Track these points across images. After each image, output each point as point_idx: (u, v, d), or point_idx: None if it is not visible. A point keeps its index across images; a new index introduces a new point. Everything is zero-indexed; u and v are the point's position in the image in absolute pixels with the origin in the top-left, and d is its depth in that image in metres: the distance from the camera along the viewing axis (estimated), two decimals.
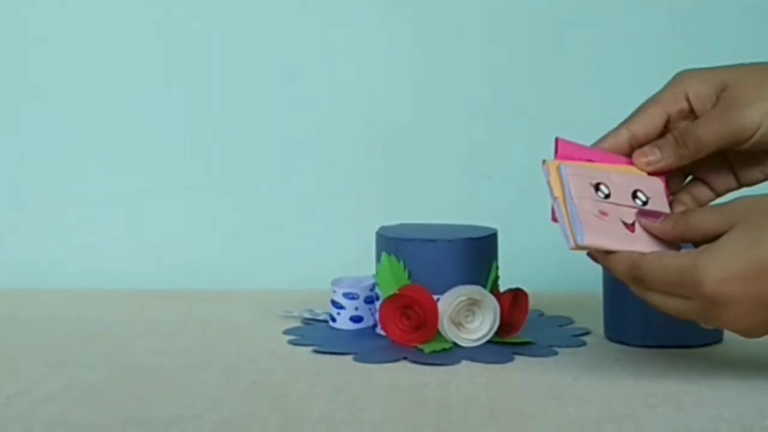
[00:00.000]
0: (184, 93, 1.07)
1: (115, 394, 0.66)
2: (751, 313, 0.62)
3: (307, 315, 0.87)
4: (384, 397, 0.65)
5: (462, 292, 0.75)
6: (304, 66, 1.06)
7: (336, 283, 0.83)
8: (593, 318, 0.81)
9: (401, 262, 0.77)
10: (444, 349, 0.75)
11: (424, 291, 0.76)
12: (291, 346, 0.78)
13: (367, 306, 0.82)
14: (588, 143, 0.73)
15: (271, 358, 0.74)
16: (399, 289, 0.76)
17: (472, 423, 0.60)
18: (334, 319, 0.83)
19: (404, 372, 0.71)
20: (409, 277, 0.77)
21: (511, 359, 0.73)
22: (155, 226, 1.07)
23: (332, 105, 1.06)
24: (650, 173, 0.70)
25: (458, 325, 0.76)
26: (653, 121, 0.70)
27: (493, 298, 0.76)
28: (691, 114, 0.70)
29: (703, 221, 0.65)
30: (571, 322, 0.85)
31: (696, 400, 0.63)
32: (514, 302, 0.78)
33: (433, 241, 0.77)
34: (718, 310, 0.62)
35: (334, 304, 0.83)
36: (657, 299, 0.65)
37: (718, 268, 0.62)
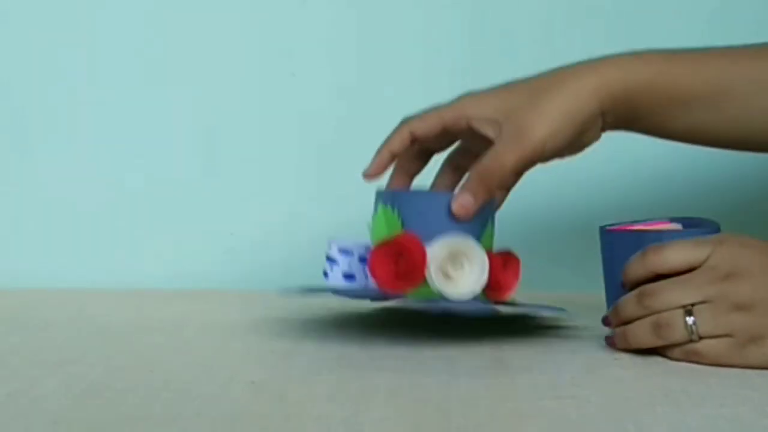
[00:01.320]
0: (183, 93, 1.07)
1: (114, 393, 0.66)
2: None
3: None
4: (383, 397, 0.65)
5: (451, 242, 0.75)
6: (304, 65, 1.06)
7: (332, 239, 0.82)
8: (593, 315, 0.81)
9: (395, 211, 0.77)
10: (430, 298, 0.74)
11: (416, 239, 0.75)
12: (290, 346, 0.78)
13: (361, 265, 0.81)
14: None
15: (270, 358, 0.75)
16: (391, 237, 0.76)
17: (472, 423, 0.60)
18: (326, 275, 0.82)
19: (404, 372, 0.71)
20: (403, 226, 0.77)
21: (495, 312, 0.74)
22: (155, 226, 1.07)
23: (333, 104, 1.06)
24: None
25: (446, 275, 0.75)
26: (432, 129, 0.79)
27: (482, 252, 0.76)
28: (468, 131, 0.78)
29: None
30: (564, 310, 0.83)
31: (696, 399, 0.63)
32: (504, 264, 0.78)
33: (430, 193, 0.78)
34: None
35: (329, 259, 0.82)
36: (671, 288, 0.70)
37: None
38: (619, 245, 0.75)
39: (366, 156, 1.06)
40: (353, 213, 1.06)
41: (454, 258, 0.75)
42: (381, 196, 0.80)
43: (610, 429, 0.58)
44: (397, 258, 0.76)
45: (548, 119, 0.75)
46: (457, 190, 0.79)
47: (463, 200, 0.75)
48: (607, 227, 0.78)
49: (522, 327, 0.84)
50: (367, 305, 0.89)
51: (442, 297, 0.75)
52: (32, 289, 1.01)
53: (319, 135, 1.07)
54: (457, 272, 0.76)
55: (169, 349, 0.77)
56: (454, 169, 0.83)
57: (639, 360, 0.73)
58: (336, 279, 0.81)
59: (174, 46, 1.06)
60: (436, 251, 0.75)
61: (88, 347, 0.78)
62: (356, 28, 1.06)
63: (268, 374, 0.70)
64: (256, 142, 1.07)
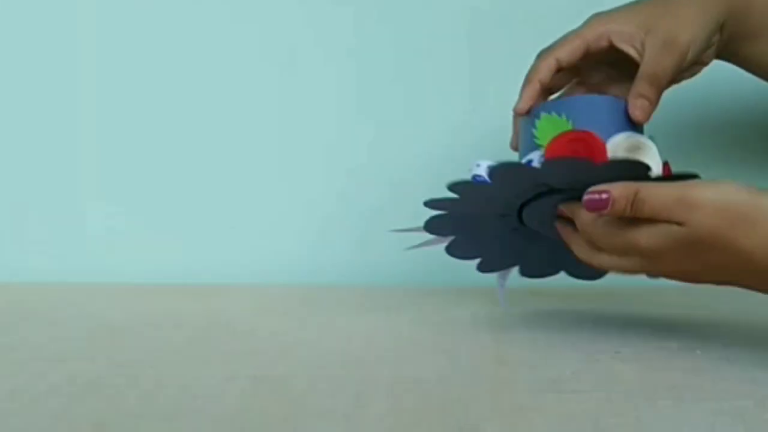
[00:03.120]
0: (183, 88, 1.07)
1: (115, 389, 0.66)
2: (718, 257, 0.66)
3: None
4: (385, 392, 0.65)
5: (630, 135, 0.76)
6: (303, 58, 1.06)
7: (477, 162, 0.80)
8: (594, 309, 0.81)
9: (563, 116, 0.77)
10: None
11: (592, 133, 0.75)
12: (291, 341, 0.78)
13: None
14: None
15: (271, 353, 0.75)
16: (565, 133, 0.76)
17: (474, 417, 0.60)
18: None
19: (405, 366, 0.71)
20: (573, 127, 0.76)
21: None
22: (156, 221, 1.07)
23: (330, 98, 1.06)
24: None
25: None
26: (575, 52, 0.80)
27: (655, 146, 0.77)
28: (609, 49, 0.80)
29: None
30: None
31: (697, 393, 0.63)
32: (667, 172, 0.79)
33: (599, 97, 0.78)
34: (702, 247, 0.67)
35: (476, 178, 0.79)
36: (644, 233, 0.69)
37: (715, 199, 0.66)
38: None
39: (370, 154, 1.07)
40: (355, 208, 1.07)
41: (635, 149, 0.76)
42: (542, 108, 0.78)
43: (611, 423, 0.58)
44: (575, 144, 0.75)
45: (689, 26, 0.78)
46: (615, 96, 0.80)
47: (641, 104, 0.77)
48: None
49: (523, 321, 0.84)
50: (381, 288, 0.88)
51: None
52: (34, 284, 1.01)
53: (317, 128, 1.06)
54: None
55: (169, 345, 0.77)
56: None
57: (640, 353, 0.73)
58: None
59: (173, 42, 1.06)
60: (617, 140, 0.75)
61: (89, 343, 0.78)
62: (354, 22, 1.06)
63: (268, 369, 0.70)
64: (256, 135, 1.07)
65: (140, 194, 1.07)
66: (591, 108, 0.77)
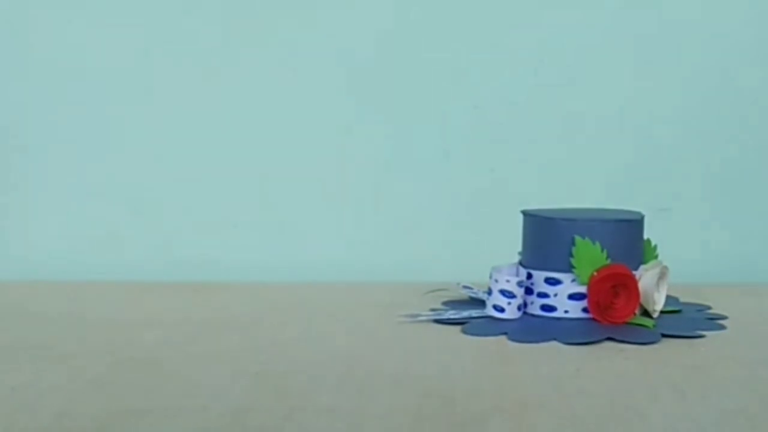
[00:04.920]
0: (186, 83, 1.07)
1: (119, 386, 0.66)
2: None
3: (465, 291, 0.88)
4: (388, 389, 0.65)
5: (656, 263, 0.81)
6: (306, 55, 1.06)
7: (500, 270, 0.82)
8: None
9: (597, 244, 0.79)
10: (642, 325, 0.78)
11: (630, 273, 0.79)
12: (293, 337, 0.78)
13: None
14: None
15: (273, 350, 0.75)
16: (602, 269, 0.79)
17: (476, 414, 0.60)
18: (502, 310, 0.81)
19: (408, 362, 0.71)
20: (607, 257, 0.79)
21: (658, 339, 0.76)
22: (159, 218, 1.07)
23: (330, 96, 1.06)
24: None
25: (654, 301, 0.81)
26: None
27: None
28: None
29: None
30: (708, 308, 0.87)
31: (700, 392, 0.63)
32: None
33: (628, 221, 0.81)
34: None
35: (504, 293, 0.81)
36: None
37: None
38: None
39: (364, 146, 1.07)
40: (352, 205, 1.07)
41: (662, 275, 0.81)
42: (574, 229, 0.80)
43: (614, 421, 0.58)
44: (617, 288, 0.79)
45: None
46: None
47: None
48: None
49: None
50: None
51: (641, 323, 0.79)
52: (36, 282, 1.01)
53: (317, 125, 1.06)
54: (657, 293, 0.81)
55: (172, 342, 0.77)
56: None
57: (643, 352, 0.73)
58: (513, 314, 0.81)
59: (175, 37, 1.06)
60: (649, 274, 0.80)
61: (92, 340, 0.78)
62: (354, 20, 1.06)
63: (271, 366, 0.70)
64: (259, 133, 1.07)
65: (143, 191, 1.07)
66: (620, 232, 0.80)
